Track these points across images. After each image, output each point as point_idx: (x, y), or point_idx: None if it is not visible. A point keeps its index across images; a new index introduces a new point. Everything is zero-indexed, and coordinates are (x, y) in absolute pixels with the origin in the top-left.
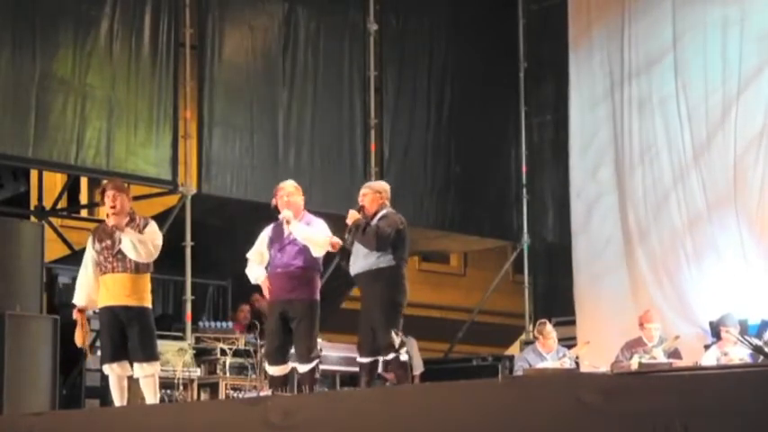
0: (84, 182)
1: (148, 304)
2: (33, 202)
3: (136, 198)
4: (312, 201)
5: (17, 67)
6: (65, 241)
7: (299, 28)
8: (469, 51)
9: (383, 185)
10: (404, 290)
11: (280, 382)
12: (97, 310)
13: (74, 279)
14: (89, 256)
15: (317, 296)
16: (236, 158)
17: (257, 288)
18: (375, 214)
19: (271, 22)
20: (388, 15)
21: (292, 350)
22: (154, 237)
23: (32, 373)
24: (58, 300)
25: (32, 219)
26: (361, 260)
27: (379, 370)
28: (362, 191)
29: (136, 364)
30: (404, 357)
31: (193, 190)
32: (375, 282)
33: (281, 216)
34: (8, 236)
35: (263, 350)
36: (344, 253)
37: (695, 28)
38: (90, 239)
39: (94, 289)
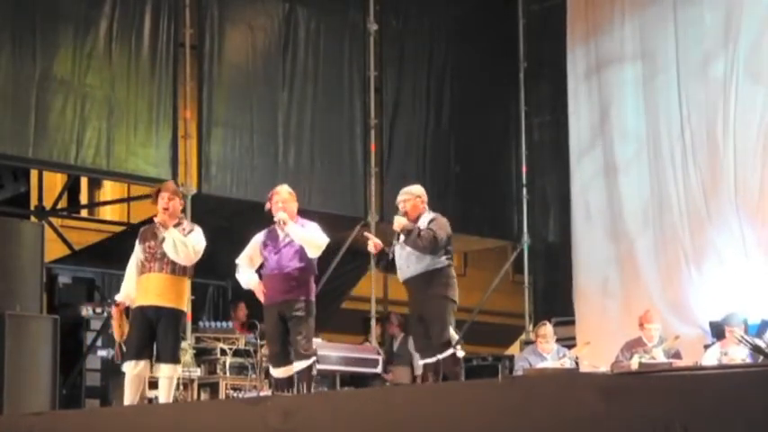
0: (84, 182)
1: (182, 307)
2: (33, 202)
3: (136, 198)
4: (312, 201)
5: (17, 67)
6: (65, 241)
7: (299, 28)
8: (469, 51)
9: (421, 190)
10: (456, 288)
11: (285, 385)
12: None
13: (74, 279)
14: (134, 257)
15: (313, 297)
16: (236, 158)
17: None
18: (417, 218)
19: (271, 22)
20: (388, 15)
21: None
22: (195, 242)
23: (32, 373)
24: (58, 300)
25: (32, 219)
26: (415, 264)
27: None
28: (402, 197)
29: (158, 364)
30: (460, 354)
31: (193, 190)
32: (431, 282)
33: (276, 218)
34: (8, 236)
35: (263, 350)
36: (382, 255)
37: (695, 28)
38: (137, 240)
39: (134, 287)
